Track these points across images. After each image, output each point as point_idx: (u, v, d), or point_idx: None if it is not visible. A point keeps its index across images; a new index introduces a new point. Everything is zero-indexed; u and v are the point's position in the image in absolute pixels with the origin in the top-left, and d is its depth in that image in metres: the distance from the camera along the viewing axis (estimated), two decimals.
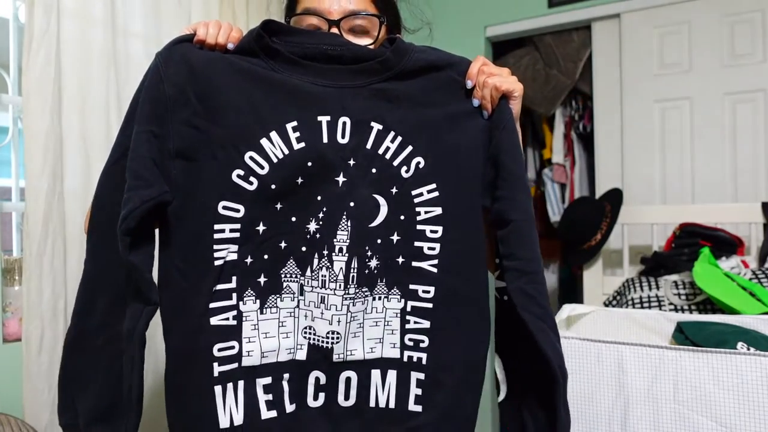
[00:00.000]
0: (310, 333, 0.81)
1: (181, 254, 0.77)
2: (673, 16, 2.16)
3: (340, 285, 0.80)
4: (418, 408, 0.82)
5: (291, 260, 0.81)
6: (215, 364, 0.76)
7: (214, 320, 0.76)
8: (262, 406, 0.78)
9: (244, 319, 0.78)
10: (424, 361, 0.83)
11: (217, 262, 0.76)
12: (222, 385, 0.76)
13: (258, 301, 0.79)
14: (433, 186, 0.82)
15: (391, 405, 0.82)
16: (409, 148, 0.81)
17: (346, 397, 0.82)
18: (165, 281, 0.77)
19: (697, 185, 2.12)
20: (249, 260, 0.78)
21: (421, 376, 0.83)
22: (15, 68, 1.50)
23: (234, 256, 0.77)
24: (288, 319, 0.81)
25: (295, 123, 0.78)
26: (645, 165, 2.21)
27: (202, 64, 0.77)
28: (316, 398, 0.81)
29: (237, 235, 0.77)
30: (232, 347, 0.77)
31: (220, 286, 0.77)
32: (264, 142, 0.77)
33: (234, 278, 0.78)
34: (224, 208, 0.76)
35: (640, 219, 1.98)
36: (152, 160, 0.75)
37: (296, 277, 0.81)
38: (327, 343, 0.80)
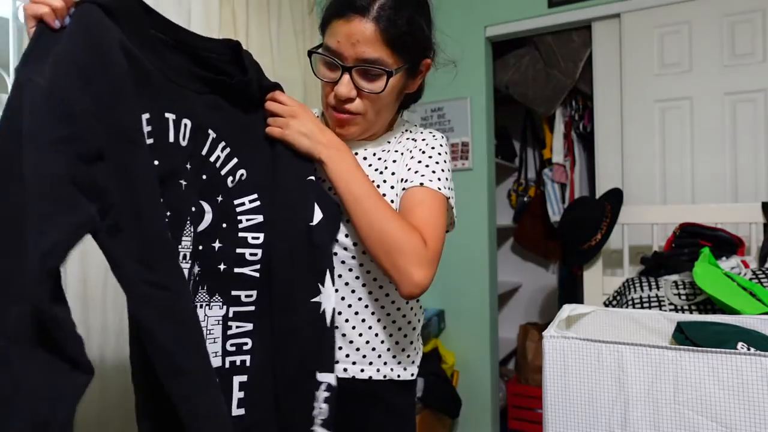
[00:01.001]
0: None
1: (150, 265, 0.63)
2: (673, 16, 2.15)
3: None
4: (241, 411, 0.81)
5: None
6: None
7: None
8: None
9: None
10: (248, 363, 0.82)
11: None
12: None
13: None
14: (255, 196, 0.86)
15: None
16: (235, 160, 0.84)
17: None
18: (143, 300, 0.63)
19: (697, 185, 2.12)
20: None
21: (244, 378, 0.82)
22: (15, 68, 1.50)
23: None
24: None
25: (148, 115, 0.69)
26: (645, 165, 2.21)
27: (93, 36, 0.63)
28: None
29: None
30: None
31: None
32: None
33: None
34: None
35: (640, 219, 1.97)
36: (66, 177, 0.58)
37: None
38: None
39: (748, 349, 0.89)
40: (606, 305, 1.68)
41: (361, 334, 0.95)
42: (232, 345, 0.82)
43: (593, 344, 0.94)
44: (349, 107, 0.91)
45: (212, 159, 0.81)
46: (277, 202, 0.86)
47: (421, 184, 0.92)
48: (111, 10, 0.66)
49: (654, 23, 2.19)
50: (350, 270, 0.94)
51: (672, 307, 1.41)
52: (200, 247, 0.79)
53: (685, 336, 0.99)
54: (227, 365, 0.82)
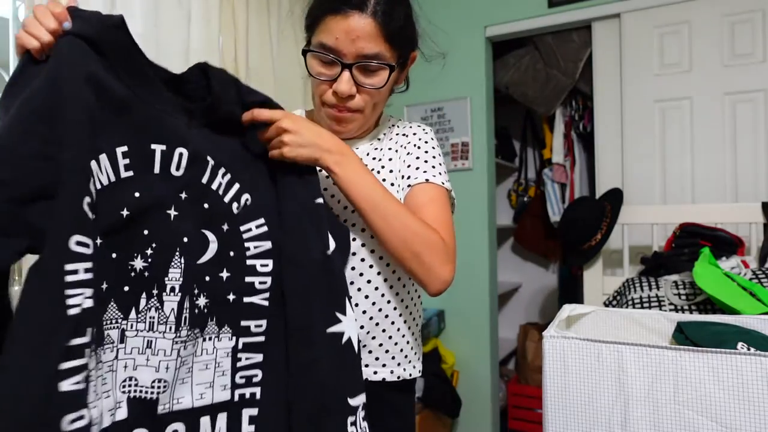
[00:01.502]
0: (130, 386, 0.72)
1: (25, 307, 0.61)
2: (673, 16, 2.16)
3: (171, 327, 0.73)
4: None
5: (112, 303, 0.71)
6: None
7: (65, 385, 0.60)
8: None
9: (90, 380, 0.64)
10: (258, 396, 0.80)
11: (71, 311, 0.61)
12: None
13: (94, 356, 0.66)
14: (262, 221, 0.82)
15: None
16: (237, 185, 0.81)
17: None
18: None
19: (697, 185, 2.12)
20: (97, 306, 0.66)
21: (254, 411, 0.79)
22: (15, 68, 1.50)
23: (90, 303, 0.64)
24: (108, 374, 0.69)
25: (125, 148, 0.70)
26: (645, 165, 2.21)
27: (51, 73, 0.64)
28: None
29: (90, 276, 0.64)
30: (82, 417, 0.61)
31: (75, 341, 0.62)
32: (93, 164, 0.66)
33: (90, 330, 0.64)
34: (77, 243, 0.62)
35: (640, 219, 1.98)
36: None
37: (116, 322, 0.71)
38: (152, 393, 0.72)
39: (748, 349, 0.89)
40: (606, 305, 1.68)
41: (374, 337, 0.94)
42: (241, 377, 0.80)
43: (593, 344, 0.94)
44: (350, 104, 0.90)
45: (214, 186, 0.79)
46: (287, 230, 0.83)
47: (426, 180, 0.93)
48: (95, 41, 0.67)
49: (654, 23, 2.19)
50: (361, 275, 0.93)
51: (672, 307, 1.41)
52: (207, 278, 0.77)
53: (685, 336, 0.99)
54: (236, 398, 0.79)
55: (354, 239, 0.92)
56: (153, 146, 0.72)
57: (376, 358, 0.95)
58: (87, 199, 0.64)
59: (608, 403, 0.92)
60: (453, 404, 2.40)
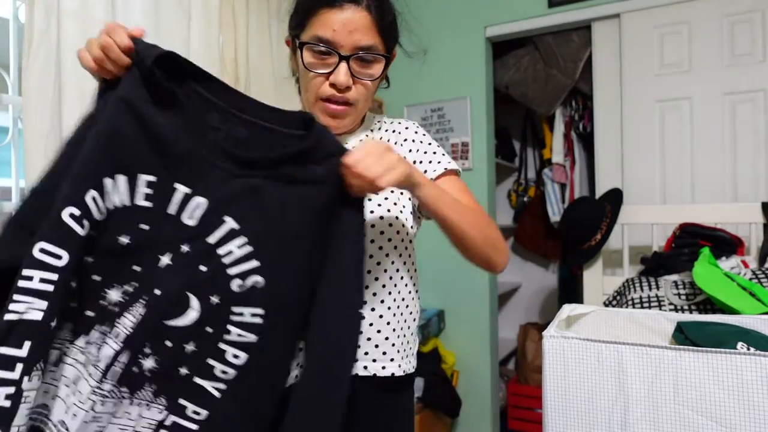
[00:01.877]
0: (40, 415, 0.68)
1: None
2: (673, 16, 2.16)
3: (96, 374, 0.67)
4: None
5: (69, 323, 0.69)
6: None
7: None
8: None
9: (23, 401, 0.62)
10: None
11: (7, 316, 0.60)
12: None
13: (39, 379, 0.64)
14: (261, 312, 0.71)
15: None
16: (254, 263, 0.70)
17: None
18: None
19: (697, 185, 2.12)
20: (52, 324, 0.64)
21: None
22: (15, 68, 1.50)
23: (37, 315, 0.61)
24: (30, 393, 0.64)
25: (153, 179, 0.68)
26: (645, 165, 2.21)
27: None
28: None
29: (50, 288, 0.62)
30: None
31: (6, 351, 0.60)
32: (106, 181, 0.67)
33: (28, 344, 0.61)
34: (41, 251, 0.62)
35: (640, 219, 1.98)
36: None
37: (63, 343, 0.68)
38: None
39: (748, 349, 0.89)
40: (606, 305, 1.68)
41: (379, 331, 0.94)
42: None
43: (593, 344, 0.95)
44: (347, 96, 0.91)
45: (221, 252, 0.70)
46: (316, 342, 0.73)
47: (445, 169, 0.96)
48: (148, 74, 0.68)
49: (654, 23, 2.19)
50: (368, 272, 0.93)
51: (672, 307, 1.41)
52: (168, 343, 0.69)
53: (684, 336, 0.99)
54: None
55: None
56: (176, 185, 0.69)
57: (384, 353, 0.95)
58: (71, 210, 0.63)
59: (608, 403, 0.92)
60: (453, 404, 2.40)
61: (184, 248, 0.69)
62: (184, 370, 0.71)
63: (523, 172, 3.40)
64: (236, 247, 0.70)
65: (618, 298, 1.65)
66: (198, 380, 0.71)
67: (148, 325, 0.68)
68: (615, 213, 1.99)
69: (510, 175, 3.51)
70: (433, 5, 2.57)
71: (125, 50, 0.68)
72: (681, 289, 1.45)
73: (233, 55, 1.87)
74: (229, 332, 0.71)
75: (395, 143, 1.00)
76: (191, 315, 0.70)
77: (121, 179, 0.67)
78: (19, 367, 0.60)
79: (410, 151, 0.99)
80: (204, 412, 0.71)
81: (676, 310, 1.40)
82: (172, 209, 0.69)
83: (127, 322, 0.68)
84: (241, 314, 0.71)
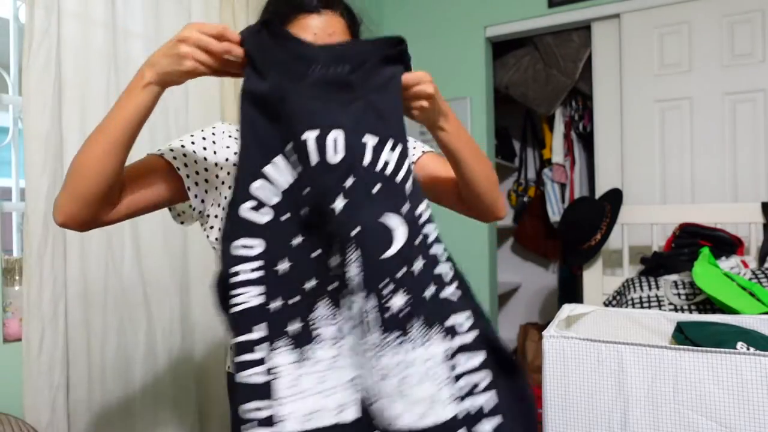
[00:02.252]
0: (357, 384, 0.68)
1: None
2: (673, 16, 2.16)
3: (359, 332, 0.68)
4: None
5: (308, 301, 0.69)
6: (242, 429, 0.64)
7: (241, 377, 0.64)
8: None
9: (276, 375, 0.65)
10: (492, 404, 0.70)
11: (232, 310, 0.65)
12: None
13: (294, 352, 0.67)
14: (426, 202, 0.73)
15: None
16: (405, 165, 0.71)
17: None
18: None
19: (697, 185, 2.12)
20: (277, 304, 0.67)
21: (488, 427, 0.69)
22: (15, 68, 1.50)
23: (257, 300, 0.66)
24: (329, 372, 0.67)
25: (290, 145, 0.69)
26: (645, 165, 2.21)
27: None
28: None
29: (260, 274, 0.67)
30: (259, 409, 0.64)
31: (242, 338, 0.65)
32: (268, 169, 0.69)
33: (260, 326, 0.66)
34: (235, 247, 0.67)
35: (640, 219, 1.98)
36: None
37: (330, 319, 0.69)
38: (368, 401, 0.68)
39: (748, 349, 0.89)
40: (606, 305, 1.68)
41: None
42: (461, 388, 0.70)
43: (593, 344, 0.95)
44: None
45: (379, 168, 0.69)
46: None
47: (423, 152, 1.00)
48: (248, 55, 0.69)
49: (654, 23, 2.19)
50: None
51: (672, 307, 1.41)
52: (400, 273, 0.67)
53: (684, 336, 0.99)
54: (461, 416, 0.69)
55: None
56: (304, 136, 0.67)
57: None
58: (249, 204, 0.67)
59: (608, 403, 0.92)
60: None
61: (346, 184, 0.67)
62: (429, 292, 0.69)
63: (523, 172, 3.40)
64: (388, 154, 0.70)
65: (618, 298, 1.65)
66: (443, 294, 0.70)
67: (372, 266, 0.66)
68: (615, 213, 1.99)
69: (510, 175, 3.51)
70: (433, 5, 2.57)
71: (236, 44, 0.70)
72: (681, 289, 1.45)
73: None
74: (427, 236, 0.72)
75: None
76: (399, 235, 0.67)
77: (279, 159, 0.69)
78: (260, 348, 0.65)
79: None
80: (467, 314, 0.71)
81: (675, 310, 1.40)
82: (314, 159, 0.67)
83: (355, 272, 0.66)
84: (421, 214, 0.72)
